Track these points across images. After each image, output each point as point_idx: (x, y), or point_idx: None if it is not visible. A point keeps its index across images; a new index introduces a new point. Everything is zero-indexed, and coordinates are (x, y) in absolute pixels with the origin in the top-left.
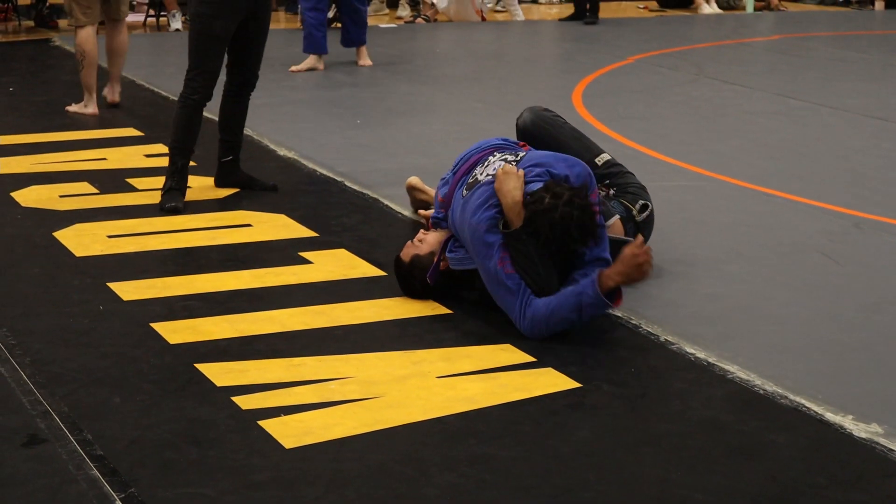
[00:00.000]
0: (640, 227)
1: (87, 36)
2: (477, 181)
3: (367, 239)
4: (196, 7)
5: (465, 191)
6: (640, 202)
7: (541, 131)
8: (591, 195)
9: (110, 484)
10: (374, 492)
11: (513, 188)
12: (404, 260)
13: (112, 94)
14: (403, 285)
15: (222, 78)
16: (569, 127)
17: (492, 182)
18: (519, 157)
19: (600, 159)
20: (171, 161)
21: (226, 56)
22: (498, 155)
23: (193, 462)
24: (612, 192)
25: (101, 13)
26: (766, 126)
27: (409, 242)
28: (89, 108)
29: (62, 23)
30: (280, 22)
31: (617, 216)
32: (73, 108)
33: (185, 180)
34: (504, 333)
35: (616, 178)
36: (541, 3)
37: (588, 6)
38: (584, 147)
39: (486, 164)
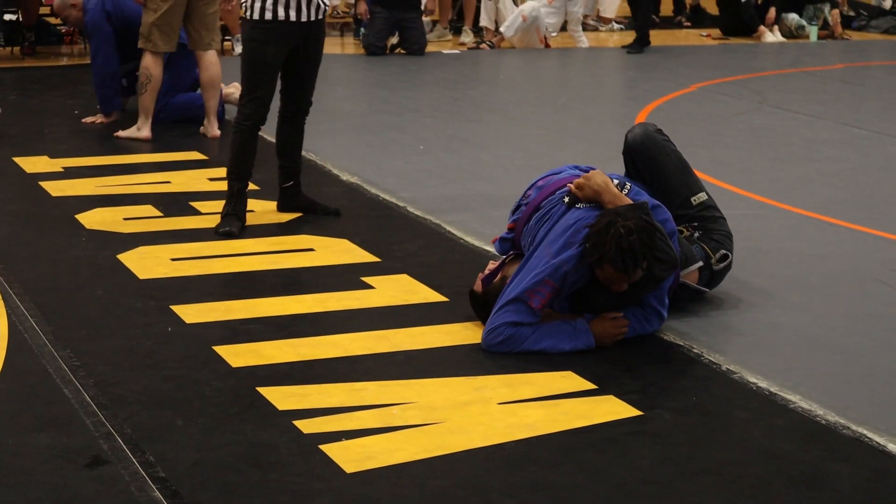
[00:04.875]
0: (715, 275)
1: (158, 61)
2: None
3: (429, 264)
4: (248, 33)
5: (567, 200)
6: (722, 252)
7: (648, 152)
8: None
9: None
10: None
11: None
12: (478, 291)
13: (211, 128)
14: (482, 315)
15: (276, 104)
16: (676, 156)
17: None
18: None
19: (697, 199)
20: (228, 185)
21: (279, 82)
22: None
23: (255, 485)
24: (696, 234)
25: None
26: (828, 155)
27: (480, 274)
28: (143, 131)
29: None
30: (346, 47)
31: (699, 263)
32: (124, 133)
33: (244, 205)
34: (565, 360)
35: (707, 221)
36: (601, 31)
37: (638, 35)
38: (684, 182)
39: None
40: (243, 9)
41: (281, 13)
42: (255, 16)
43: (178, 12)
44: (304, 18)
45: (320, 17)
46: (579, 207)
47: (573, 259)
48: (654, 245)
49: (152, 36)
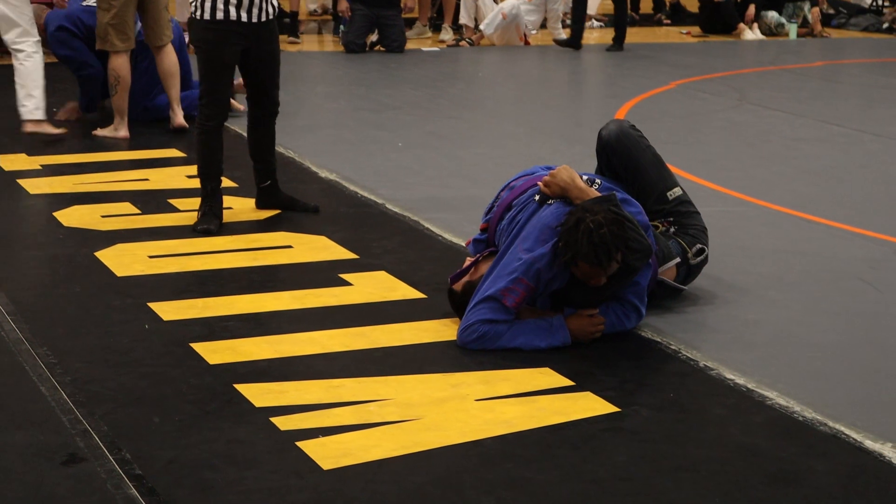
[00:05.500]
0: (692, 270)
1: (123, 61)
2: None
3: (407, 261)
4: (200, 33)
5: (538, 199)
6: (698, 246)
7: (623, 148)
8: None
9: (148, 503)
10: None
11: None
12: (456, 290)
13: (176, 117)
14: (460, 313)
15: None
16: (651, 152)
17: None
18: (597, 185)
19: (672, 193)
20: (201, 185)
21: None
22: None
23: (231, 482)
24: (672, 229)
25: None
26: (808, 152)
27: (458, 271)
28: (120, 131)
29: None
30: (326, 44)
31: (677, 259)
32: (102, 131)
33: (219, 203)
34: (543, 357)
35: (682, 216)
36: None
37: (617, 33)
38: (660, 177)
39: None
40: (193, 8)
41: (233, 13)
42: (207, 15)
43: (130, 10)
44: (254, 20)
45: (270, 18)
46: (550, 204)
47: (546, 256)
48: (625, 235)
49: (108, 36)
